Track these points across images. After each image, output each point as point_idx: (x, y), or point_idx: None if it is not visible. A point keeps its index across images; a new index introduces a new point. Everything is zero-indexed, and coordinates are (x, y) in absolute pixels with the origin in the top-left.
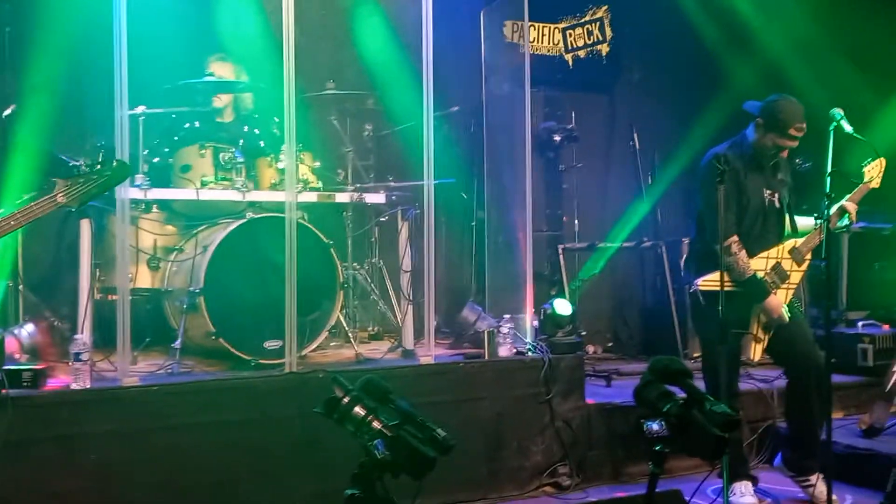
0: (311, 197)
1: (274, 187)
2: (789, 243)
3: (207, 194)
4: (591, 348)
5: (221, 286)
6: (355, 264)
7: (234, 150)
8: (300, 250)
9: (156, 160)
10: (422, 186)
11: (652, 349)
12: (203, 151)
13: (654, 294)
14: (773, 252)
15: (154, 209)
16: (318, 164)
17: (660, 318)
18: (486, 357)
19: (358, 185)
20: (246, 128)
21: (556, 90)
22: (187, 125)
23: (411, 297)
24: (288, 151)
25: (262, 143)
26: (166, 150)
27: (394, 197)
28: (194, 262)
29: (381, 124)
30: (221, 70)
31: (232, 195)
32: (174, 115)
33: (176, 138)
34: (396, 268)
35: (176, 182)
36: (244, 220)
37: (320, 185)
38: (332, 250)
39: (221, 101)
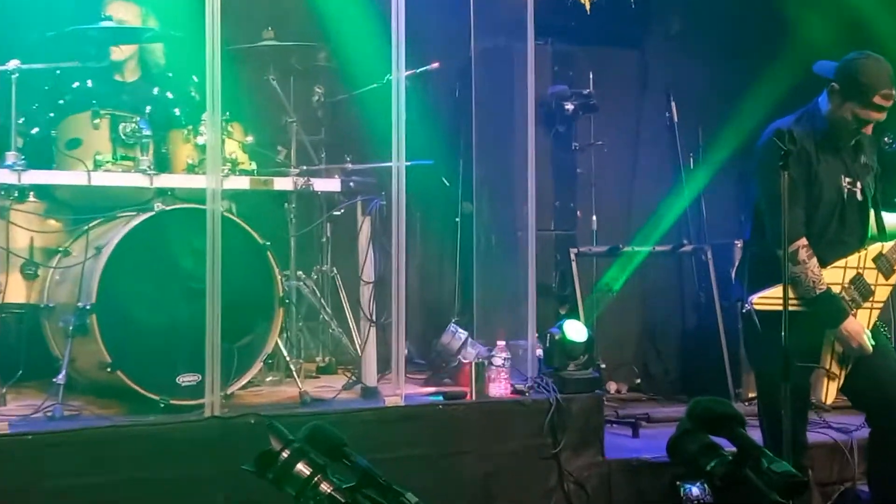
0: (241, 183)
1: (191, 169)
2: (874, 248)
3: (102, 178)
4: (612, 386)
5: (120, 301)
6: (300, 273)
7: (138, 119)
8: (226, 254)
9: (34, 132)
10: (389, 170)
11: (692, 388)
12: (97, 121)
13: (697, 315)
14: (852, 260)
15: (30, 198)
16: (250, 138)
17: (703, 346)
18: (473, 397)
19: (304, 168)
20: (156, 90)
21: (569, 43)
22: (76, 85)
23: (374, 318)
24: (211, 122)
25: (176, 112)
26: (49, 117)
27: (352, 184)
28: (84, 269)
29: (336, 87)
30: (123, 13)
31: (135, 180)
32: (59, 73)
33: (61, 102)
34: (355, 278)
35: (60, 162)
36: (151, 214)
37: (254, 167)
38: (268, 254)
39: (122, 53)
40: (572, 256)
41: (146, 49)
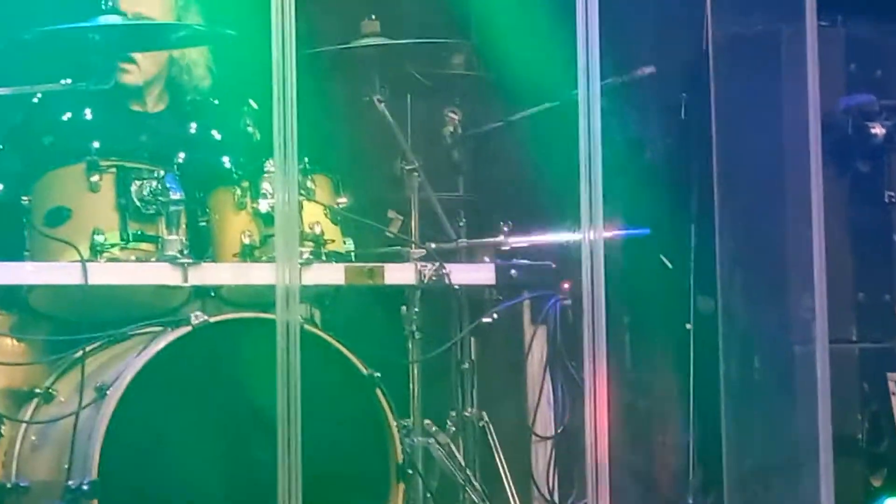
0: (331, 274)
1: (249, 254)
2: None
3: (105, 273)
4: None
5: (137, 476)
6: (428, 422)
7: (163, 174)
8: (309, 392)
9: None
10: (574, 247)
11: None
12: (97, 178)
13: None
14: None
15: None
16: (344, 200)
17: None
18: None
19: (434, 246)
20: (193, 126)
21: (875, 25)
22: (66, 118)
23: (555, 497)
24: (281, 175)
25: (225, 161)
26: (19, 173)
27: (513, 272)
28: (78, 425)
29: (483, 110)
30: (145, 7)
31: (159, 274)
32: (36, 100)
33: (39, 148)
34: (521, 429)
35: (37, 248)
36: (185, 331)
37: (351, 246)
38: (378, 392)
39: (141, 68)
40: (893, 386)
41: (180, 61)
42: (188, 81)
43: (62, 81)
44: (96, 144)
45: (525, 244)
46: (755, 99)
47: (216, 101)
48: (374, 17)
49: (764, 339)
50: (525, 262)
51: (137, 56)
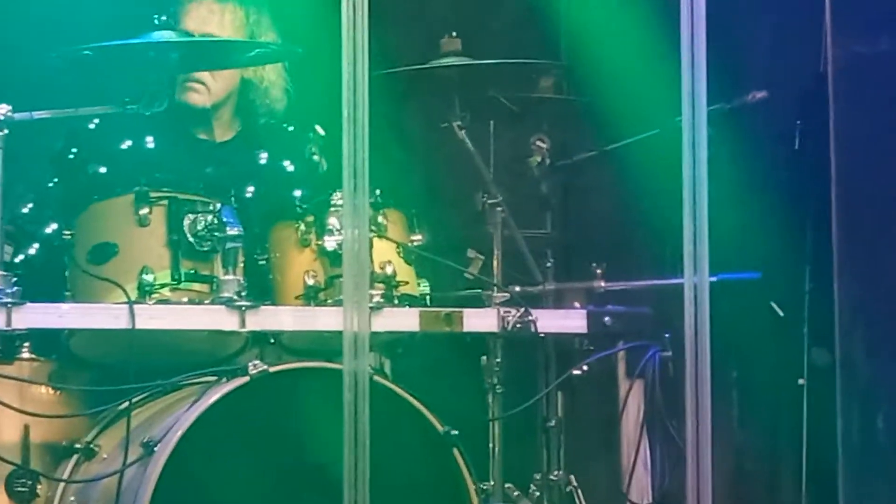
0: (405, 320)
1: (313, 296)
2: None
3: (154, 317)
4: None
5: None
6: (510, 486)
7: (218, 206)
8: (379, 450)
9: (33, 231)
10: (675, 291)
11: None
12: (146, 212)
13: None
14: None
15: (23, 353)
16: (419, 238)
17: None
18: None
19: (518, 290)
20: (263, 157)
21: None
22: (113, 144)
23: None
24: (350, 208)
25: (297, 197)
26: (60, 205)
27: (607, 319)
28: (122, 484)
29: (573, 138)
30: (215, 25)
31: (214, 318)
32: (91, 126)
33: (83, 177)
34: (615, 496)
35: (79, 287)
36: (242, 382)
37: (426, 289)
38: (455, 451)
39: (207, 90)
40: None
41: (256, 83)
42: (262, 106)
43: (111, 106)
44: (143, 175)
45: (621, 288)
46: (879, 126)
47: (291, 128)
48: (454, 34)
49: (888, 395)
50: (620, 308)
51: (206, 76)
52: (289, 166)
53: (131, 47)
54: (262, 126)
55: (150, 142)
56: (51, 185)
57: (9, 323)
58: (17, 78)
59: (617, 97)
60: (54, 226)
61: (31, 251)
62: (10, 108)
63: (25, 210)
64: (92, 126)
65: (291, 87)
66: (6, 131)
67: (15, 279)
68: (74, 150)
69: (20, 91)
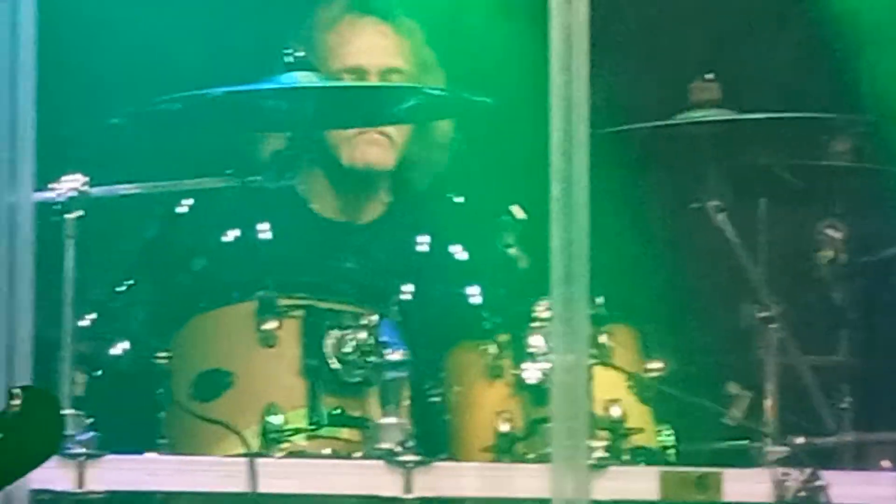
0: (639, 483)
1: (508, 449)
2: None
3: (284, 475)
4: None
5: None
6: None
7: (375, 318)
8: None
9: (116, 351)
10: None
11: None
12: (272, 325)
13: None
14: None
15: None
16: (660, 365)
17: None
18: None
19: (804, 441)
20: (425, 242)
21: None
22: (232, 237)
23: None
24: (561, 321)
25: (473, 301)
26: (153, 317)
27: None
28: None
29: (881, 225)
30: (380, 58)
31: (370, 476)
32: (188, 205)
33: (188, 274)
34: None
35: (180, 432)
36: None
37: (670, 439)
38: None
39: (388, 142)
40: None
41: (420, 143)
42: (424, 173)
43: (229, 177)
44: (275, 273)
45: None
46: None
47: (460, 200)
48: (710, 76)
49: None
50: None
51: (390, 129)
52: (460, 257)
53: (265, 93)
54: (423, 201)
55: (276, 226)
56: (140, 287)
57: (81, 483)
58: (95, 140)
59: None
60: (145, 346)
61: (112, 381)
62: (86, 179)
63: (105, 324)
64: (197, 205)
65: (462, 144)
66: (81, 213)
67: (90, 421)
68: (172, 238)
69: (99, 158)
